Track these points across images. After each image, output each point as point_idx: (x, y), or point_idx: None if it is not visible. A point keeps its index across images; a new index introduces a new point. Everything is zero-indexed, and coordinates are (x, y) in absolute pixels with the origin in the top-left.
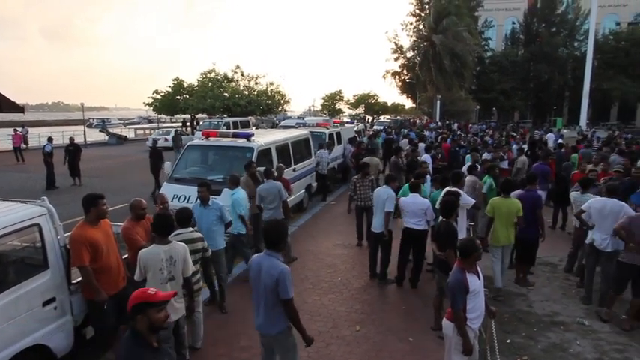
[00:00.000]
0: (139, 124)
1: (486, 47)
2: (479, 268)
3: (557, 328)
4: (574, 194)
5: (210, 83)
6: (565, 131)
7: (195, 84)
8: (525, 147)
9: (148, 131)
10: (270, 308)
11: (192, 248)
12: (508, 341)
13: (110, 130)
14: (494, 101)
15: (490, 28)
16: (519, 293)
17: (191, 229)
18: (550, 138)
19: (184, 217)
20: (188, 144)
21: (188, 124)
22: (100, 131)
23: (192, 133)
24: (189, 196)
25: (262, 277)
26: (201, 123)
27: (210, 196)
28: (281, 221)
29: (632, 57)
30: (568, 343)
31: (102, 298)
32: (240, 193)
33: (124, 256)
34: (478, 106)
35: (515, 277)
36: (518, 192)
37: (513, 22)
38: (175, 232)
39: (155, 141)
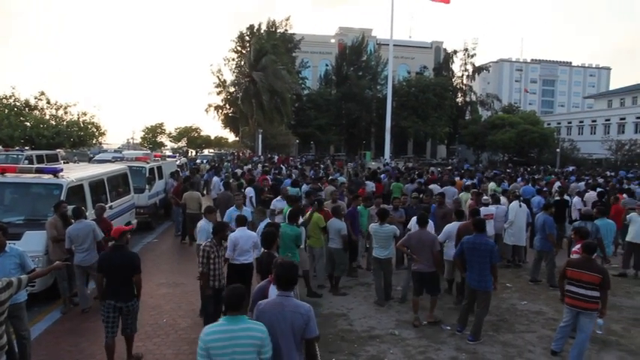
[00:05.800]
0: None
1: (304, 86)
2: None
3: (374, 341)
4: (373, 225)
5: (6, 110)
6: (373, 163)
7: None
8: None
9: None
10: (296, 350)
11: None
12: None
13: None
14: (312, 136)
15: (306, 68)
16: (341, 314)
17: None
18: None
19: None
20: None
21: None
22: None
23: None
24: None
25: (288, 317)
26: None
27: (8, 241)
28: (295, 263)
29: (420, 101)
30: (384, 353)
31: None
32: None
33: None
34: (298, 140)
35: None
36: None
37: (327, 65)
38: None
39: None
